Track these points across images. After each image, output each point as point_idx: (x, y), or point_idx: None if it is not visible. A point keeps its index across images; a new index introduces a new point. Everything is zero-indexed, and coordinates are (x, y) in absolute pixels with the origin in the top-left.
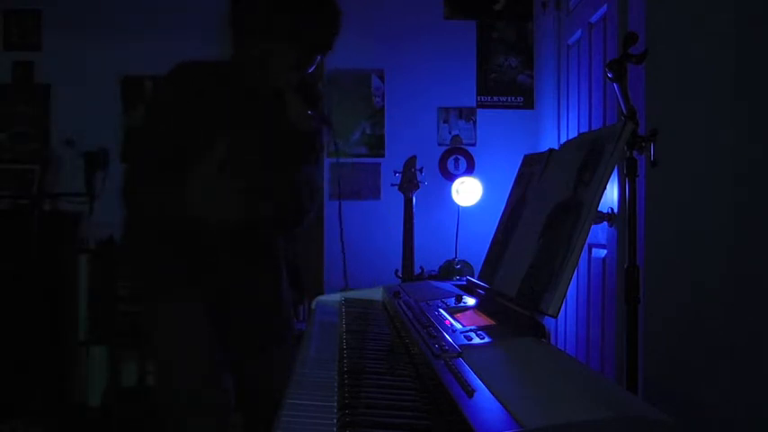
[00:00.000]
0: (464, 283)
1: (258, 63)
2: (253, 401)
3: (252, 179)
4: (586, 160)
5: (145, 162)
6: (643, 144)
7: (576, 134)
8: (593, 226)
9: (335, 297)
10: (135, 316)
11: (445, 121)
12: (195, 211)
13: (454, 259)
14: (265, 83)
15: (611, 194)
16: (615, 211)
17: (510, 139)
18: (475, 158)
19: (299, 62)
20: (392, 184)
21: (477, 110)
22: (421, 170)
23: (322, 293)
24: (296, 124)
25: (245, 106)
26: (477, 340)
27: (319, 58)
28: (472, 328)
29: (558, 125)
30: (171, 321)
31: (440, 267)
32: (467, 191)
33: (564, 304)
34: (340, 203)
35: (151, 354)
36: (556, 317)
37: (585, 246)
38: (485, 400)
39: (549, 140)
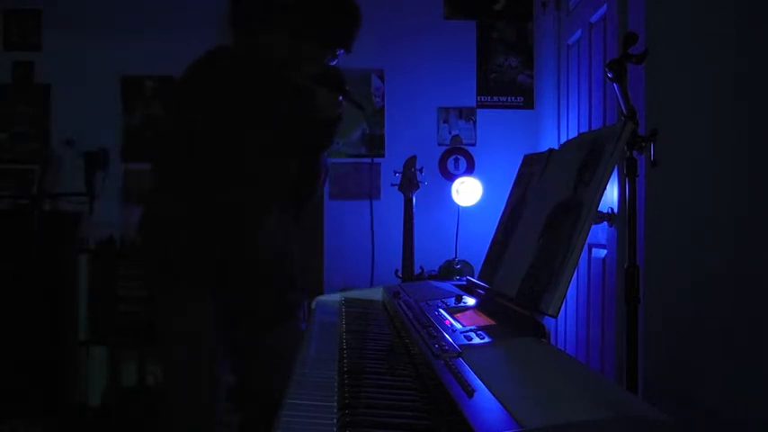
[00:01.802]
0: (464, 283)
1: (277, 57)
2: (255, 386)
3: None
4: (586, 160)
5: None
6: (643, 144)
7: (576, 134)
8: (593, 226)
9: (335, 297)
10: (135, 316)
11: (445, 121)
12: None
13: (454, 259)
14: (284, 74)
15: (611, 194)
16: (615, 211)
17: (510, 139)
18: (475, 158)
19: (319, 56)
20: (392, 184)
21: (477, 110)
22: (421, 170)
23: (322, 293)
24: (323, 113)
25: (269, 95)
26: (477, 340)
27: (341, 52)
28: (472, 328)
29: (558, 125)
30: (180, 318)
31: (440, 267)
32: (467, 191)
33: (564, 304)
34: (371, 203)
35: (157, 352)
36: (556, 317)
37: (585, 246)
38: (485, 400)
39: (549, 140)
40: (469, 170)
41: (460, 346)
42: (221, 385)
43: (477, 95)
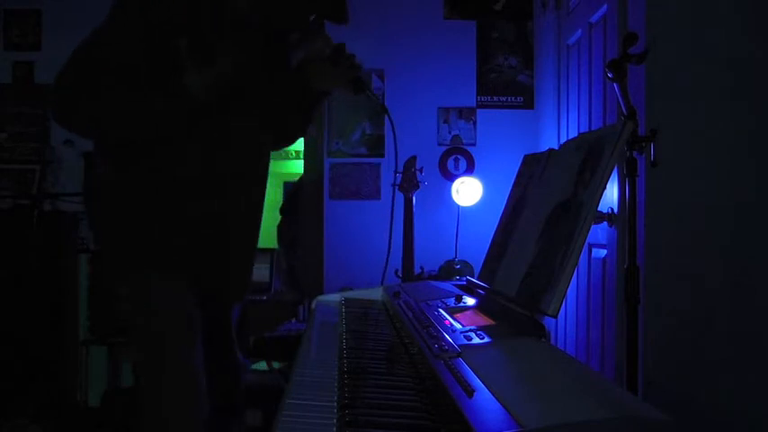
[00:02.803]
0: (464, 283)
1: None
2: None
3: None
4: (586, 160)
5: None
6: (643, 144)
7: (576, 134)
8: (593, 226)
9: (335, 297)
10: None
11: (445, 121)
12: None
13: (454, 259)
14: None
15: (611, 194)
16: (615, 211)
17: (510, 139)
18: (475, 158)
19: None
20: (392, 184)
21: (477, 110)
22: (421, 170)
23: (322, 293)
24: (317, 84)
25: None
26: (476, 340)
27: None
28: (472, 328)
29: (558, 125)
30: (154, 314)
31: (440, 267)
32: (467, 191)
33: (564, 304)
34: (393, 202)
35: (133, 351)
36: (556, 317)
37: (585, 246)
38: (485, 400)
39: (549, 140)
40: (469, 170)
41: (460, 346)
42: (201, 381)
43: (477, 95)
